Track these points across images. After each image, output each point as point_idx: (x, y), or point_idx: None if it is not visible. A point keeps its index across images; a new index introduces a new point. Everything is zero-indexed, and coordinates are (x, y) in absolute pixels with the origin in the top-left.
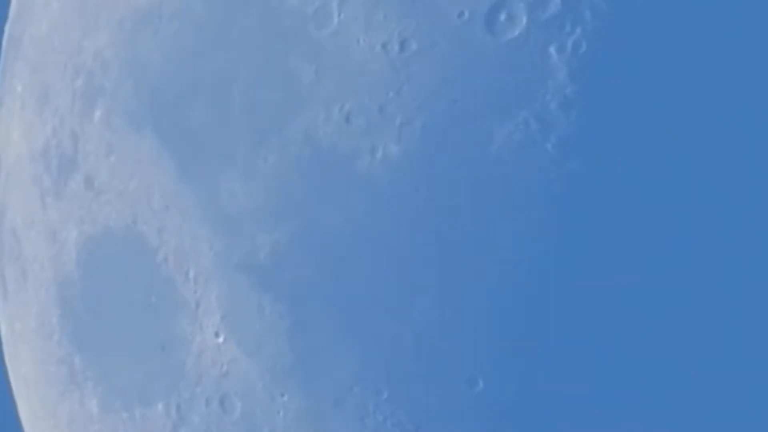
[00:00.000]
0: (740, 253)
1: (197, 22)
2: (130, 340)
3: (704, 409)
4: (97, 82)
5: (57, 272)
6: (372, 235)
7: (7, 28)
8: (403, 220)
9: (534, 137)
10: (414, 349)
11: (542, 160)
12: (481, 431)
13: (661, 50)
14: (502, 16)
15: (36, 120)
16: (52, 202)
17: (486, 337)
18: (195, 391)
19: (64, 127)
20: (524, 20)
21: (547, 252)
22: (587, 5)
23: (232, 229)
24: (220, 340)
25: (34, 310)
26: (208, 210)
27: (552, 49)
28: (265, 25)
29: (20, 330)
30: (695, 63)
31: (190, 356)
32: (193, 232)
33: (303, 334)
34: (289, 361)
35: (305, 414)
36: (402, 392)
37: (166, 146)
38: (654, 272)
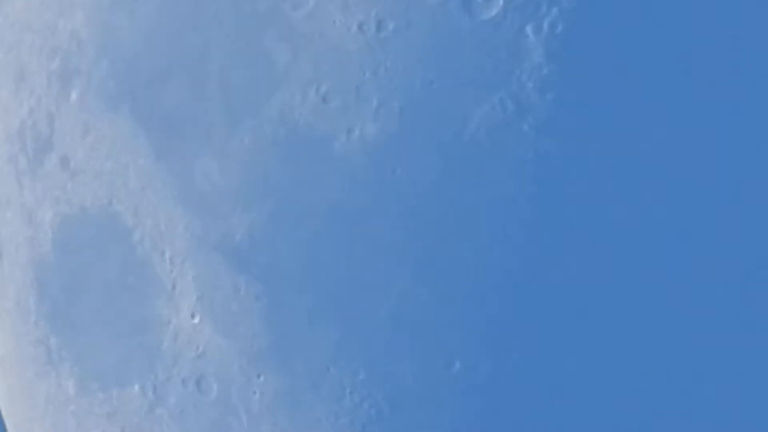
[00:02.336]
0: (714, 239)
1: (173, 2)
2: (107, 320)
3: (673, 386)
4: (73, 63)
5: (33, 253)
6: (348, 216)
7: None
8: (379, 201)
9: (510, 118)
10: (391, 330)
11: (518, 141)
12: (457, 412)
13: (637, 30)
14: None
15: (12, 100)
16: (27, 183)
17: (462, 318)
18: (171, 372)
19: (40, 108)
20: (501, 0)
21: (522, 233)
22: None
23: (208, 209)
24: (196, 321)
25: (10, 290)
26: (184, 191)
27: (528, 29)
28: (241, 6)
29: None
30: (672, 43)
31: (166, 337)
32: (169, 212)
33: (279, 315)
34: (266, 342)
35: (282, 395)
36: (379, 373)
37: (142, 127)
38: (630, 253)
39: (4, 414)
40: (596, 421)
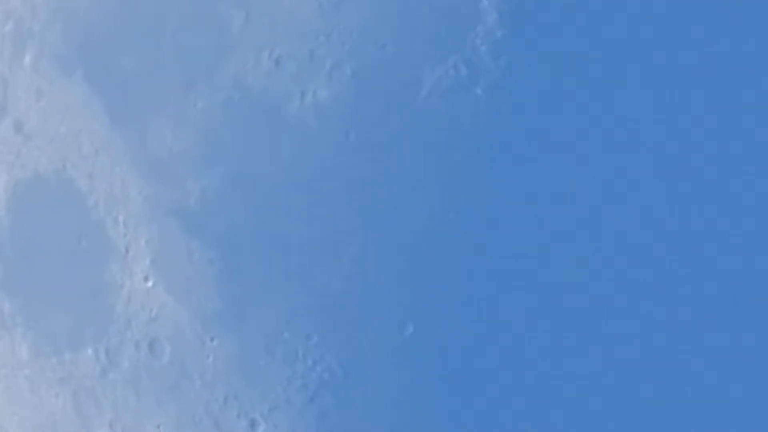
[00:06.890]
0: (662, 204)
1: None
2: (60, 285)
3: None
4: (26, 27)
5: None
6: (301, 180)
7: None
8: (332, 165)
9: (463, 82)
10: (344, 294)
11: (472, 105)
12: (410, 375)
13: None
14: None
15: None
16: None
17: (415, 282)
18: (124, 335)
19: None
20: None
21: (475, 197)
22: None
23: (162, 174)
24: (150, 284)
25: None
26: (138, 155)
27: None
28: None
29: None
30: (628, 8)
31: (119, 301)
32: (123, 177)
33: (232, 279)
34: (219, 306)
35: (235, 359)
36: (332, 337)
37: (96, 91)
38: (585, 217)
39: None
40: (551, 385)
